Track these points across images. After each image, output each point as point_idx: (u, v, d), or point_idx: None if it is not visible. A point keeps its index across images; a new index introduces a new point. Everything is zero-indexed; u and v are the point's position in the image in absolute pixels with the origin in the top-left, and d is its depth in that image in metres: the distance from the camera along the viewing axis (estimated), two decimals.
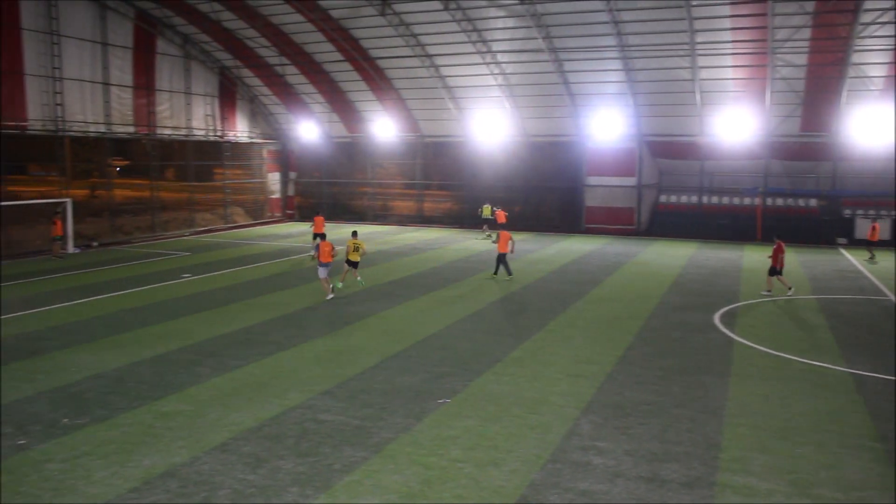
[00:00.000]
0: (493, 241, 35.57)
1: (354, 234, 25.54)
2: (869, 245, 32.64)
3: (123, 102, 38.81)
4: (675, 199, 42.19)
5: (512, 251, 26.50)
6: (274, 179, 51.40)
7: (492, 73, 39.85)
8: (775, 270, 23.94)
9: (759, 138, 38.01)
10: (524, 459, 10.64)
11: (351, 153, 49.38)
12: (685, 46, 34.47)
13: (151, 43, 40.43)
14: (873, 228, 32.80)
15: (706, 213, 40.98)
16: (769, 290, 23.98)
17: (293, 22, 39.49)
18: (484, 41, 38.03)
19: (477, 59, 39.02)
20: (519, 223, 43.84)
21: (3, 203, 32.25)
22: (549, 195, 43.97)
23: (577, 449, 11.02)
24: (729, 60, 35.34)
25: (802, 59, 34.12)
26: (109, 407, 12.80)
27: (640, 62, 36.63)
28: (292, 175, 51.84)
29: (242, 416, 12.36)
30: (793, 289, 23.89)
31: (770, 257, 24.14)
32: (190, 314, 20.46)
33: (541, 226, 43.38)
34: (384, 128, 46.16)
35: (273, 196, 51.30)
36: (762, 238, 38.02)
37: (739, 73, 36.07)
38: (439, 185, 47.28)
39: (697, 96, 37.22)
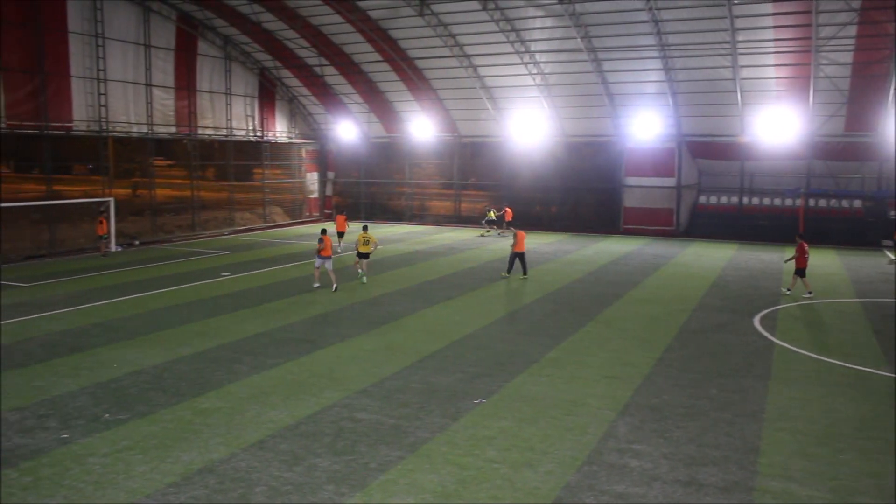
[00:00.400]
0: (500, 235, 37.98)
1: (365, 228, 27.30)
2: None
3: (165, 103, 39.40)
4: (715, 200, 41.67)
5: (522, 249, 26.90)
6: (312, 179, 51.81)
7: (530, 73, 39.73)
8: (802, 271, 23.81)
9: (801, 138, 37.36)
10: (560, 461, 10.59)
11: (389, 153, 49.56)
12: (726, 45, 34.02)
13: (193, 44, 40.99)
14: None
15: (746, 214, 40.42)
16: (790, 290, 24.02)
17: (332, 23, 39.77)
18: (522, 41, 37.93)
19: (515, 58, 38.93)
20: (556, 224, 43.74)
21: (51, 202, 32.99)
22: (586, 196, 43.71)
23: (614, 451, 10.95)
24: (771, 59, 34.80)
25: (847, 57, 33.47)
26: (150, 403, 13.01)
27: (680, 61, 36.24)
28: (330, 175, 52.20)
29: (279, 413, 12.48)
30: (812, 293, 23.61)
31: (794, 258, 24.04)
32: (228, 312, 20.70)
33: (578, 227, 43.14)
34: (422, 128, 46.27)
35: (311, 196, 51.71)
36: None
37: (782, 71, 35.50)
38: (476, 186, 47.24)
39: (738, 96, 36.72)
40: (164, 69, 39.22)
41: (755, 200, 40.72)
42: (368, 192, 50.42)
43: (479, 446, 11.10)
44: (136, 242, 36.44)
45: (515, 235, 27.04)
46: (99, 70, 35.10)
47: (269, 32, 41.84)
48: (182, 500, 9.37)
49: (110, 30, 35.68)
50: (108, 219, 33.40)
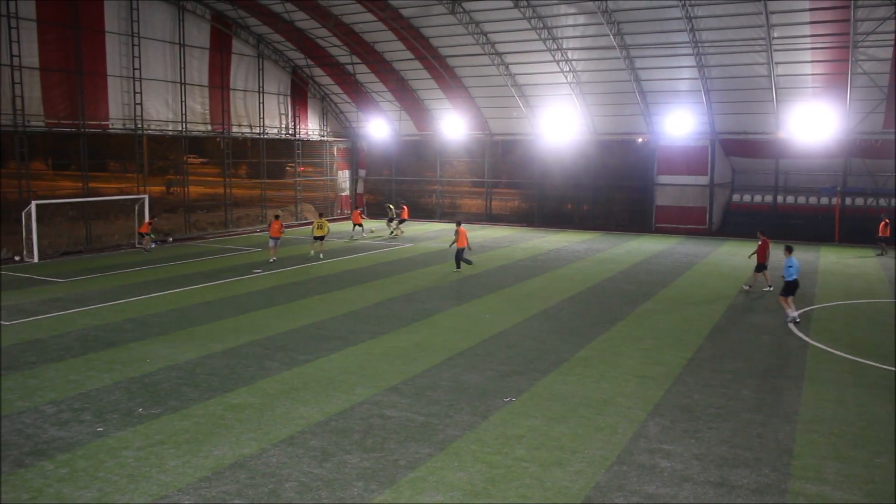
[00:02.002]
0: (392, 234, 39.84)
1: (321, 215, 32.81)
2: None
3: (199, 101, 39.81)
4: (749, 199, 41.18)
5: (470, 247, 28.45)
6: (344, 177, 52.07)
7: (562, 71, 39.55)
8: (762, 266, 23.99)
9: (838, 135, 36.77)
10: (589, 460, 10.54)
11: (420, 151, 49.64)
12: (761, 42, 33.59)
13: (227, 43, 41.36)
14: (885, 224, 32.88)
15: (781, 213, 39.89)
16: (750, 286, 24.23)
17: (364, 21, 39.91)
18: (554, 38, 37.76)
19: (547, 56, 38.79)
20: (587, 222, 43.53)
21: (87, 199, 33.52)
22: (618, 194, 43.42)
23: (644, 451, 10.87)
24: (807, 55, 34.28)
25: (887, 53, 32.85)
26: (182, 398, 13.16)
27: (714, 58, 35.85)
28: (362, 173, 52.41)
29: (310, 409, 12.56)
30: (772, 287, 23.74)
31: (755, 254, 24.25)
32: (260, 309, 20.88)
33: (609, 225, 42.89)
34: (453, 126, 46.28)
35: (343, 193, 51.96)
36: (841, 239, 36.85)
37: (818, 68, 34.96)
38: (507, 184, 47.15)
39: (773, 92, 36.24)
40: (199, 68, 39.64)
41: (790, 199, 40.16)
42: (399, 189, 50.52)
43: (508, 445, 11.09)
44: (170, 239, 36.89)
45: (457, 232, 27.73)
46: (134, 69, 35.55)
47: (301, 31, 42.10)
48: (213, 494, 9.47)
49: (146, 29, 36.14)
50: (142, 216, 33.91)
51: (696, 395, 13.43)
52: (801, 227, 38.56)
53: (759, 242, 24.33)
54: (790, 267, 19.45)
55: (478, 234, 40.68)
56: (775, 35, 33.19)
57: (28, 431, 11.62)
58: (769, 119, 38.04)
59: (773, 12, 31.86)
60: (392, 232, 40.10)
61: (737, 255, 32.69)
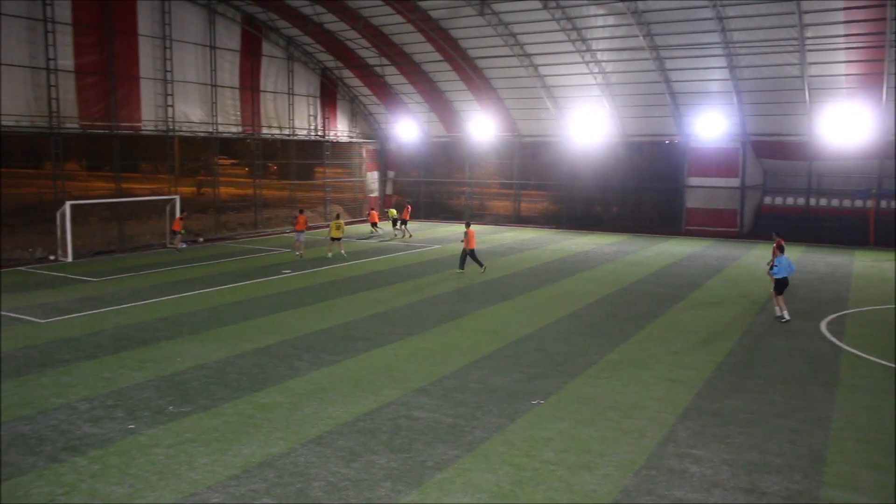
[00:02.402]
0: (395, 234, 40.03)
1: (338, 216, 33.41)
2: None
3: (229, 103, 40.17)
4: (781, 201, 40.69)
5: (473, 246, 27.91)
6: (372, 178, 52.23)
7: (591, 72, 39.37)
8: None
9: (873, 137, 36.19)
10: (618, 464, 10.48)
11: (448, 153, 49.67)
12: (794, 42, 33.17)
13: (257, 46, 41.70)
14: None
15: (814, 215, 39.35)
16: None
17: (393, 23, 40.02)
18: (583, 40, 37.61)
19: (576, 57, 38.64)
20: (617, 224, 43.27)
21: (119, 199, 33.97)
22: (647, 196, 43.13)
23: (673, 456, 10.78)
24: (842, 55, 33.78)
25: None
26: (212, 397, 13.28)
27: (746, 59, 35.46)
28: (390, 174, 52.56)
29: (338, 410, 12.62)
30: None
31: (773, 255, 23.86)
32: (289, 309, 21.01)
33: (639, 227, 42.61)
34: (482, 127, 46.26)
35: (372, 195, 52.12)
36: (875, 243, 36.27)
37: (853, 68, 34.44)
38: (536, 185, 47.03)
39: (806, 93, 35.77)
40: (229, 70, 39.99)
41: (823, 202, 39.60)
42: (428, 191, 50.61)
43: (536, 447, 11.05)
44: (200, 239, 37.27)
45: (466, 233, 27.69)
46: (167, 71, 35.97)
47: (330, 33, 42.32)
48: (242, 492, 9.54)
49: (178, 32, 36.53)
50: (172, 215, 34.34)
51: (727, 400, 13.29)
52: (834, 231, 38.02)
53: (775, 244, 24.08)
54: (777, 266, 19.89)
55: (506, 235, 40.63)
56: (808, 35, 32.76)
57: (62, 427, 11.79)
58: (802, 120, 37.56)
59: (806, 12, 31.44)
60: (397, 235, 39.90)
61: (769, 258, 32.24)
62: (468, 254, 27.65)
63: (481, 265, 27.86)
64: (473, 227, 28.62)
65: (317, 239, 38.49)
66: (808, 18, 31.90)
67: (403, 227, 39.78)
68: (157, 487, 9.69)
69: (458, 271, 27.76)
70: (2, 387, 13.86)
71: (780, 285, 19.89)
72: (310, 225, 43.53)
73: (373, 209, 42.23)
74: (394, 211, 41.96)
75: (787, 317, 19.71)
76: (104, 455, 10.73)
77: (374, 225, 41.66)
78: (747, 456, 10.82)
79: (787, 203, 40.49)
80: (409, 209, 40.81)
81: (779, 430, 11.83)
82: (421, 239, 38.67)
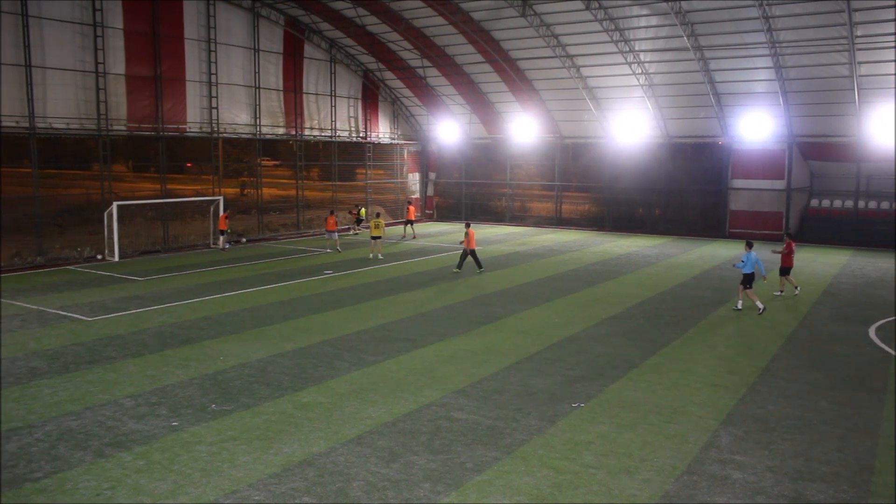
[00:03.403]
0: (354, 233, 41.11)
1: (378, 215, 33.73)
2: None
3: (273, 105, 40.61)
4: (828, 204, 39.86)
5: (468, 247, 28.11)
6: (414, 180, 52.39)
7: (634, 73, 39.02)
8: (787, 270, 23.99)
9: None
10: (659, 469, 10.36)
11: (490, 154, 49.60)
12: (843, 41, 32.50)
13: (300, 48, 42.10)
14: None
15: (862, 218, 38.48)
16: (781, 291, 24.16)
17: (435, 25, 40.11)
18: (626, 40, 37.29)
19: (619, 58, 38.32)
20: (659, 227, 42.81)
21: (165, 200, 34.54)
22: (690, 198, 42.58)
23: (716, 462, 10.63)
24: (892, 55, 33.00)
25: None
26: (254, 395, 13.42)
27: (792, 59, 34.84)
28: (432, 175, 52.65)
29: (378, 410, 12.66)
30: (799, 289, 24.13)
31: (781, 255, 24.18)
32: (331, 309, 21.15)
33: (682, 230, 42.09)
34: (523, 129, 46.13)
35: (413, 196, 52.26)
36: None
37: None
38: (577, 187, 46.73)
39: (855, 94, 35.02)
40: (272, 72, 40.44)
41: (872, 204, 38.71)
42: (469, 192, 50.59)
43: (576, 451, 10.98)
44: (243, 240, 37.73)
45: (467, 234, 27.96)
46: (211, 74, 36.48)
47: (372, 35, 42.55)
48: (283, 490, 9.63)
49: (222, 35, 37.06)
50: (216, 216, 34.83)
51: (771, 406, 13.07)
52: (884, 234, 37.12)
53: (785, 245, 24.25)
54: (744, 262, 21.24)
55: (547, 237, 40.45)
56: (858, 34, 32.07)
57: (108, 423, 12.02)
58: (850, 121, 36.77)
59: (856, 10, 30.77)
60: (405, 234, 40.39)
61: (815, 261, 31.72)
62: (468, 253, 27.94)
63: (479, 266, 28.14)
64: (472, 228, 28.83)
65: (356, 240, 38.72)
66: (857, 17, 31.21)
67: (407, 226, 40.68)
68: (200, 484, 9.82)
69: (454, 270, 28.17)
70: (51, 382, 14.19)
71: (748, 279, 21.25)
72: (351, 226, 44.01)
73: (410, 204, 42.92)
74: (364, 211, 43.15)
75: (762, 308, 20.97)
76: (148, 451, 10.91)
77: (409, 223, 41.68)
78: (792, 463, 10.62)
79: (835, 206, 39.66)
80: (413, 209, 41.88)
81: (825, 438, 11.59)
82: (462, 241, 38.63)
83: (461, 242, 28.49)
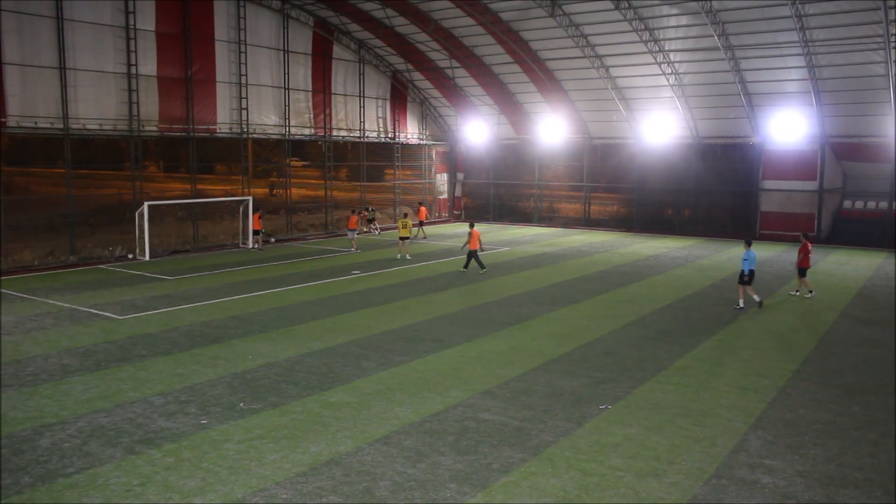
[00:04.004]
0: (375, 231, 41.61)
1: (406, 215, 34.40)
2: None
3: (301, 106, 40.85)
4: (862, 205, 39.27)
5: (482, 248, 28.66)
6: (442, 180, 52.44)
7: (663, 73, 38.73)
8: (803, 271, 23.81)
9: None
10: (687, 472, 10.27)
11: (518, 155, 49.49)
12: (878, 39, 31.98)
13: (328, 49, 42.32)
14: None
15: None
16: (797, 291, 24.19)
17: (463, 25, 40.11)
18: (656, 40, 37.03)
19: (648, 58, 38.05)
20: (688, 228, 42.46)
21: (195, 200, 34.89)
22: (720, 199, 42.15)
23: (745, 466, 10.51)
24: None
25: None
26: (282, 394, 13.50)
27: (826, 58, 34.37)
28: (460, 176, 52.65)
29: (405, 410, 12.68)
30: (813, 293, 23.81)
31: (802, 257, 23.87)
32: (358, 309, 21.22)
33: (711, 231, 41.69)
34: (552, 129, 45.98)
35: (441, 196, 52.33)
36: None
37: None
38: (606, 188, 46.49)
39: (891, 93, 34.44)
40: (301, 73, 40.69)
41: None
42: (497, 193, 50.53)
43: (603, 453, 10.92)
44: (272, 240, 38.00)
45: (470, 234, 28.02)
46: (241, 75, 36.78)
47: (401, 36, 42.65)
48: (310, 489, 9.67)
49: (252, 37, 37.38)
50: (245, 216, 35.13)
51: (802, 410, 12.90)
52: None
53: (801, 246, 24.02)
54: (746, 259, 21.63)
55: (576, 238, 40.28)
56: (894, 32, 31.54)
57: (138, 421, 12.16)
58: (885, 121, 36.15)
59: (893, 7, 30.22)
60: (415, 234, 40.21)
61: (848, 263, 31.27)
62: (471, 254, 27.99)
63: (482, 266, 28.14)
64: (476, 228, 28.97)
65: (380, 241, 38.81)
66: (893, 14, 30.69)
67: (420, 228, 40.75)
68: (228, 482, 9.90)
69: (462, 270, 28.32)
70: (83, 379, 14.38)
71: (742, 276, 21.83)
72: (382, 226, 44.14)
73: (422, 205, 43.13)
74: (374, 212, 43.63)
75: (741, 306, 21.74)
76: (177, 448, 11.02)
77: (421, 223, 41.50)
78: (823, 468, 10.48)
79: (869, 207, 39.06)
80: (424, 210, 42.17)
81: (857, 443, 11.42)
82: (489, 241, 38.61)
83: (464, 245, 28.42)
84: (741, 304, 21.72)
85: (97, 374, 14.76)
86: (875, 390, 14.05)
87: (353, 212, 36.74)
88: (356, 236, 35.12)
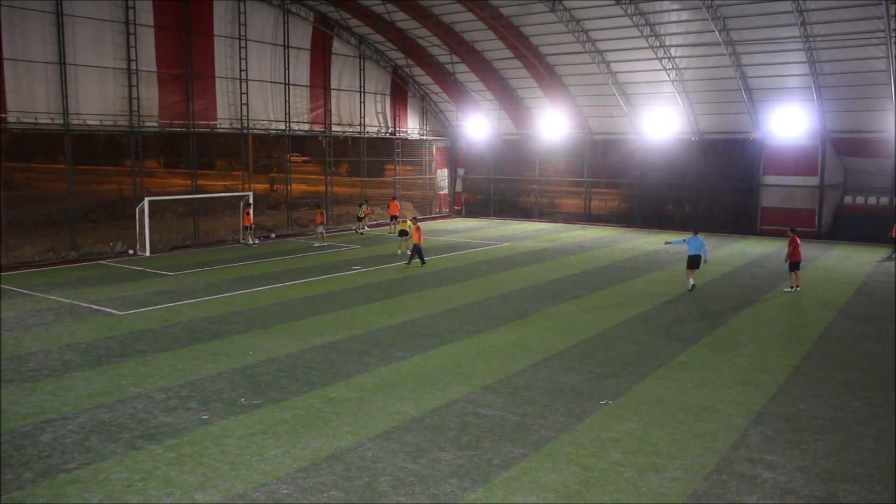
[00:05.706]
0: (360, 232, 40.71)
1: (415, 219, 32.04)
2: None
3: (301, 101, 40.82)
4: (862, 201, 39.25)
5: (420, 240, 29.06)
6: (442, 176, 52.40)
7: (664, 69, 38.68)
8: (796, 265, 23.87)
9: None
10: (687, 468, 10.28)
11: (518, 150, 49.45)
12: (879, 34, 31.92)
13: (328, 44, 42.26)
14: None
15: None
16: (793, 287, 24.02)
17: (464, 21, 40.06)
18: (657, 35, 36.98)
19: (649, 54, 38.01)
20: (689, 223, 42.36)
21: (195, 196, 34.88)
22: (721, 195, 42.14)
23: (745, 461, 10.52)
24: None
25: None
26: (282, 390, 13.52)
27: (826, 53, 34.32)
28: (460, 171, 52.61)
29: (406, 405, 12.69)
30: (799, 288, 23.99)
31: (790, 252, 23.90)
32: (359, 305, 21.23)
33: (712, 226, 41.65)
34: (552, 125, 45.95)
35: (441, 192, 52.30)
36: None
37: None
38: (607, 183, 46.45)
39: (892, 88, 34.40)
40: (301, 69, 40.64)
41: None
42: (498, 188, 50.49)
43: (603, 448, 10.93)
44: (273, 235, 37.99)
45: (415, 228, 29.10)
46: (241, 70, 36.75)
47: (401, 31, 42.59)
48: (310, 484, 9.69)
49: (252, 32, 37.32)
50: (251, 212, 35.16)
51: (802, 405, 12.91)
52: None
53: (790, 241, 24.07)
54: (685, 242, 24.10)
55: (576, 234, 40.28)
56: None
57: (139, 416, 12.17)
58: (886, 116, 36.12)
59: (893, 2, 30.17)
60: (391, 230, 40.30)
61: (849, 259, 31.28)
62: (416, 248, 28.74)
63: (422, 261, 28.71)
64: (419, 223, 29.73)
65: (383, 236, 38.80)
66: (894, 9, 30.61)
67: (392, 223, 40.90)
68: (229, 477, 9.92)
69: (406, 265, 28.84)
70: (84, 374, 14.40)
71: (693, 261, 23.79)
72: (379, 221, 44.11)
73: (392, 200, 43.10)
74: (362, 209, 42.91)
75: (692, 282, 23.81)
76: (179, 444, 11.03)
77: (393, 217, 41.37)
78: (823, 464, 10.49)
79: (870, 202, 39.04)
80: (396, 204, 42.12)
81: (858, 439, 11.43)
82: (490, 237, 38.62)
83: (406, 238, 30.20)
84: (691, 285, 23.72)
85: (98, 370, 14.77)
86: (876, 386, 14.05)
87: (318, 207, 37.96)
88: (324, 232, 35.98)
